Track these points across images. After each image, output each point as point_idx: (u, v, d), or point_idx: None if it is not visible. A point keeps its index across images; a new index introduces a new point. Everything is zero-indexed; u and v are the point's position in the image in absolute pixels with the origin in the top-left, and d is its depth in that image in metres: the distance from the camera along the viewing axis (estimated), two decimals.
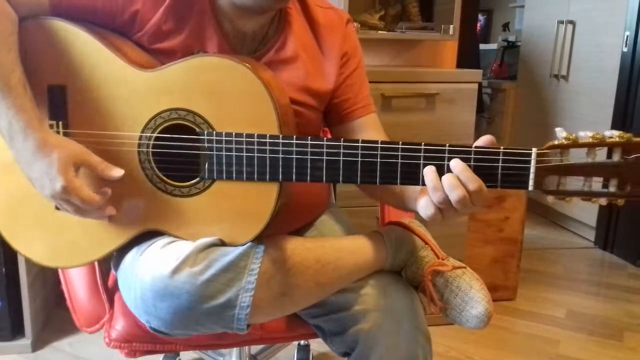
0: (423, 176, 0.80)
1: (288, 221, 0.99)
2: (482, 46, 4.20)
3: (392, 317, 0.94)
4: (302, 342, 1.70)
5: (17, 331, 1.76)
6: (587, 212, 2.99)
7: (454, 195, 0.78)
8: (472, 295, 0.95)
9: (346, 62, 1.05)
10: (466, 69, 2.00)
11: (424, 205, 0.82)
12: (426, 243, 1.02)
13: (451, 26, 2.03)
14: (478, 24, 4.50)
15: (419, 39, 2.20)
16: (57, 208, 0.90)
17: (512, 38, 4.49)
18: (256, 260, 0.87)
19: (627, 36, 2.68)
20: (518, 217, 2.16)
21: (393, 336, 0.93)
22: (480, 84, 2.00)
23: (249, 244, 0.88)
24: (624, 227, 2.81)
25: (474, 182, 0.78)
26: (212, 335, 1.02)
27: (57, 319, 1.96)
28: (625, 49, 2.71)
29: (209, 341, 1.07)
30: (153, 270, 0.85)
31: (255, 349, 1.51)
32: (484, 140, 0.81)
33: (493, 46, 4.76)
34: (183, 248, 0.86)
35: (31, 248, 0.94)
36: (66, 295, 1.10)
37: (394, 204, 1.02)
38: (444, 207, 0.80)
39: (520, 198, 2.14)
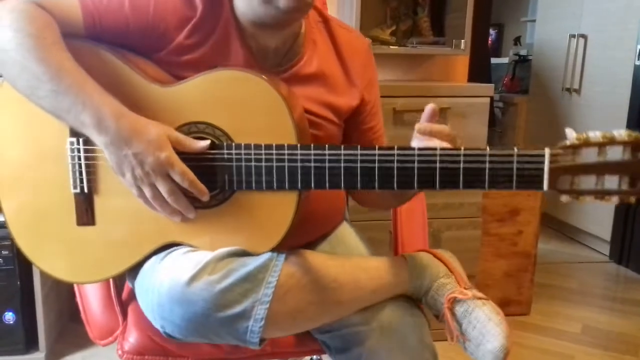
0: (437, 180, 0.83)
1: (305, 232, 1.00)
2: (493, 60, 4.20)
3: (395, 336, 0.93)
4: (314, 357, 1.69)
5: (31, 345, 1.77)
6: (601, 226, 2.96)
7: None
8: (490, 329, 0.92)
9: (370, 90, 1.08)
10: (478, 83, 2.00)
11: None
12: (451, 272, 1.01)
13: (462, 41, 2.04)
14: (489, 38, 4.51)
15: (430, 53, 2.21)
16: (138, 193, 0.85)
17: (523, 52, 4.47)
18: (274, 273, 0.87)
19: None
20: (531, 231, 2.14)
21: (397, 353, 0.93)
22: (491, 98, 2.00)
23: (268, 255, 0.88)
24: (639, 240, 2.78)
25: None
26: (223, 350, 1.02)
27: (70, 333, 1.97)
28: (637, 62, 2.70)
29: (220, 355, 1.07)
30: (172, 275, 0.86)
31: None
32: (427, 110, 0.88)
33: (504, 60, 4.75)
34: (203, 256, 0.87)
35: (53, 264, 0.95)
36: (80, 307, 1.10)
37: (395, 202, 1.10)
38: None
39: (533, 212, 2.12)
